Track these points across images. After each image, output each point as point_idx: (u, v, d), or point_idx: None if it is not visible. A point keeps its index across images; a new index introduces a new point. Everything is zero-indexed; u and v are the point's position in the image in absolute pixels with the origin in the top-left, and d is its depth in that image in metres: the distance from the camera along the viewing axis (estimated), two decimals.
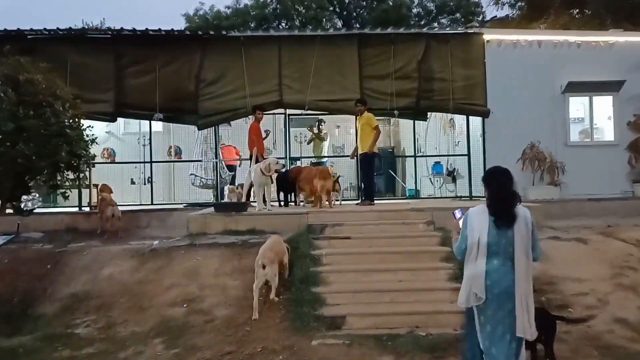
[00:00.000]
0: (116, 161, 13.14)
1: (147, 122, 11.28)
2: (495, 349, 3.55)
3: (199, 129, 10.90)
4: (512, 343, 3.54)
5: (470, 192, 11.13)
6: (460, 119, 12.05)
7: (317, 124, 11.52)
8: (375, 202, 9.55)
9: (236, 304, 5.98)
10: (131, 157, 12.76)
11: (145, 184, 12.48)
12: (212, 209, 8.62)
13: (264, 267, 5.77)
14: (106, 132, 13.09)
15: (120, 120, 12.03)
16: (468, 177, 11.29)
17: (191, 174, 11.52)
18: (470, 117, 11.29)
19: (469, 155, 11.27)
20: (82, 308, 6.15)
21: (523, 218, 3.58)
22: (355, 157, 10.06)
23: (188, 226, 8.10)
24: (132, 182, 12.99)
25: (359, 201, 9.88)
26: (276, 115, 11.80)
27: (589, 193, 10.44)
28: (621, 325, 5.56)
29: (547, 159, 10.77)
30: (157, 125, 13.50)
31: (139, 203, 11.62)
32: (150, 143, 11.56)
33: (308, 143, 11.96)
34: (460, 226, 3.82)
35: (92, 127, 9.76)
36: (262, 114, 9.95)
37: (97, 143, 9.91)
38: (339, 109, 10.73)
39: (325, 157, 11.55)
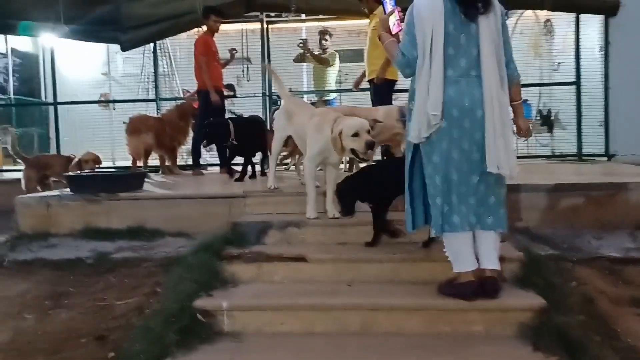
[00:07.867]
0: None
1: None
2: (455, 196, 2.54)
3: (122, 50, 6.94)
4: (480, 185, 2.54)
5: (580, 148, 6.96)
6: (563, 22, 7.49)
7: (319, 37, 7.01)
8: None
9: None
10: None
11: None
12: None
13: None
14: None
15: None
16: (577, 122, 6.87)
17: None
18: (582, 18, 6.97)
19: (577, 84, 7.00)
20: None
21: (492, 7, 2.55)
22: (359, 88, 5.78)
23: (18, 220, 4.16)
24: None
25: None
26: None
27: None
28: None
29: None
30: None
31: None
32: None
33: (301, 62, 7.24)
34: (394, 24, 2.72)
35: None
36: (218, 20, 6.19)
37: None
38: (346, 9, 6.42)
39: (332, 91, 7.07)
